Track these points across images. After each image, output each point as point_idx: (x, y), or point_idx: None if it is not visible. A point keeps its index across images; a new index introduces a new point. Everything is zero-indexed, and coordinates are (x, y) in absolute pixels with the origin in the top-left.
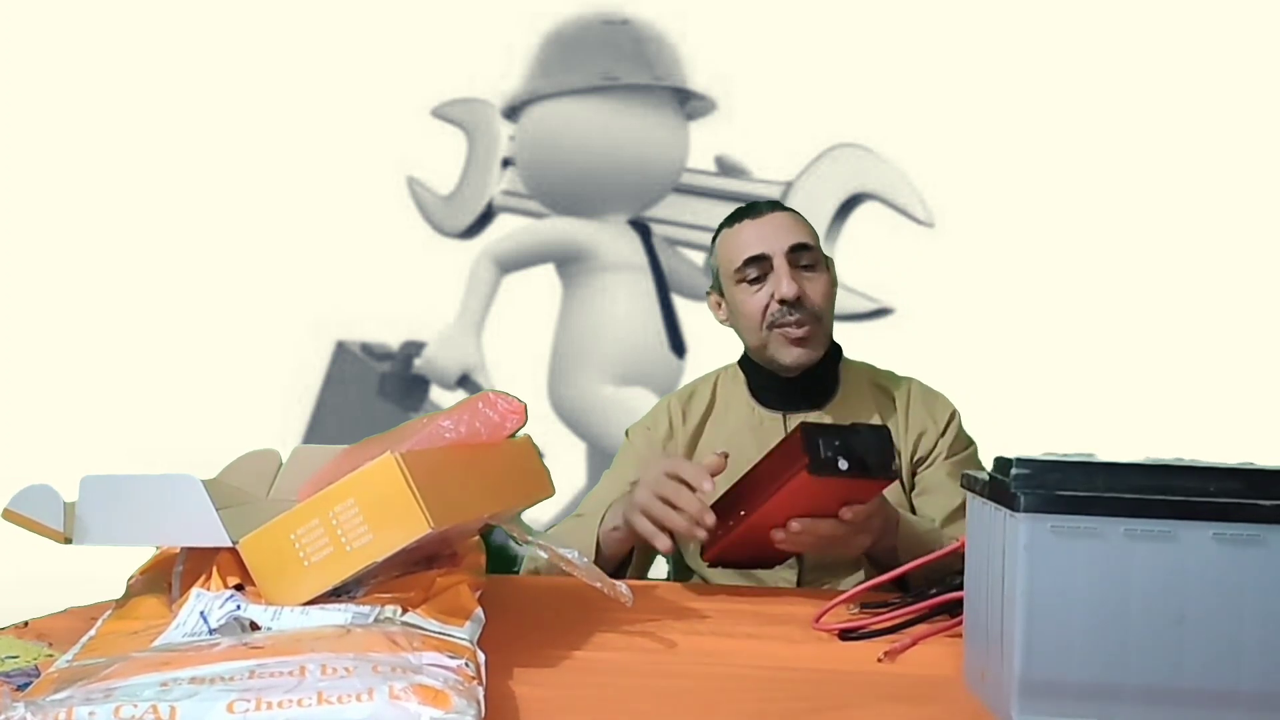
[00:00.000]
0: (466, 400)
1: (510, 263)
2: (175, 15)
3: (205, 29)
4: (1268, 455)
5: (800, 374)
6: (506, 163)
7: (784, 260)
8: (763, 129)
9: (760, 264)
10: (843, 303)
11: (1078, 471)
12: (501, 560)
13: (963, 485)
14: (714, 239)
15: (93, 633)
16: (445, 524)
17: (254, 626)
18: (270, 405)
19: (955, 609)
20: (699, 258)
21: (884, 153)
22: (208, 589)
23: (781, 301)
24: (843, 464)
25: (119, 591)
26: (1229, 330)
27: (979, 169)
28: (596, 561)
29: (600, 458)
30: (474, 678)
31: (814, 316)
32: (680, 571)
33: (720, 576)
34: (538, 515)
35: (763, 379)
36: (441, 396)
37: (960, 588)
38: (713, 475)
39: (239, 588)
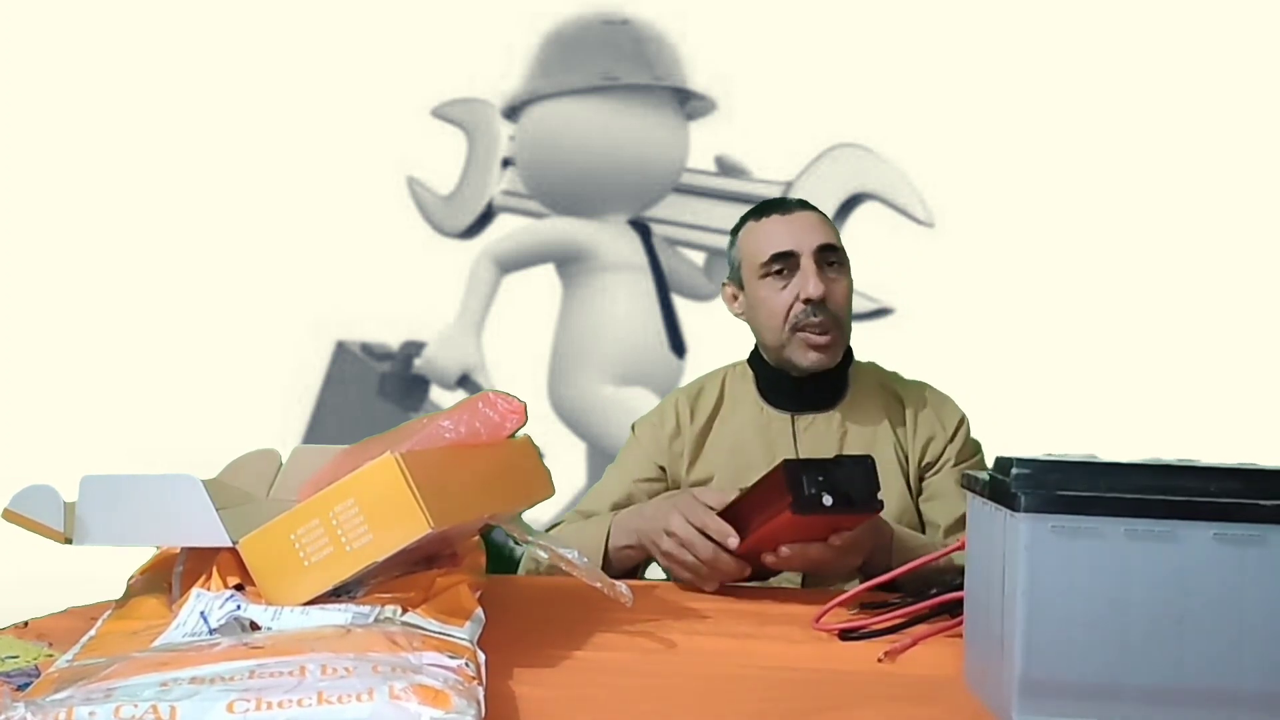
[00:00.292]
0: (466, 400)
1: (510, 263)
2: (175, 15)
3: (205, 29)
4: (1268, 455)
5: (810, 375)
6: (506, 163)
7: (812, 259)
8: (763, 129)
9: (787, 260)
10: None
11: (1078, 471)
12: (501, 560)
13: (963, 485)
14: (736, 230)
15: (93, 633)
16: (445, 524)
17: (254, 626)
18: (270, 405)
19: (955, 609)
20: (699, 258)
21: (884, 153)
22: (208, 589)
23: (806, 301)
24: (826, 500)
25: (119, 591)
26: (1229, 330)
27: (979, 169)
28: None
29: (600, 458)
30: (474, 678)
31: (836, 320)
32: None
33: None
34: (538, 515)
35: (772, 378)
36: (441, 396)
37: (960, 588)
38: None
39: (239, 588)
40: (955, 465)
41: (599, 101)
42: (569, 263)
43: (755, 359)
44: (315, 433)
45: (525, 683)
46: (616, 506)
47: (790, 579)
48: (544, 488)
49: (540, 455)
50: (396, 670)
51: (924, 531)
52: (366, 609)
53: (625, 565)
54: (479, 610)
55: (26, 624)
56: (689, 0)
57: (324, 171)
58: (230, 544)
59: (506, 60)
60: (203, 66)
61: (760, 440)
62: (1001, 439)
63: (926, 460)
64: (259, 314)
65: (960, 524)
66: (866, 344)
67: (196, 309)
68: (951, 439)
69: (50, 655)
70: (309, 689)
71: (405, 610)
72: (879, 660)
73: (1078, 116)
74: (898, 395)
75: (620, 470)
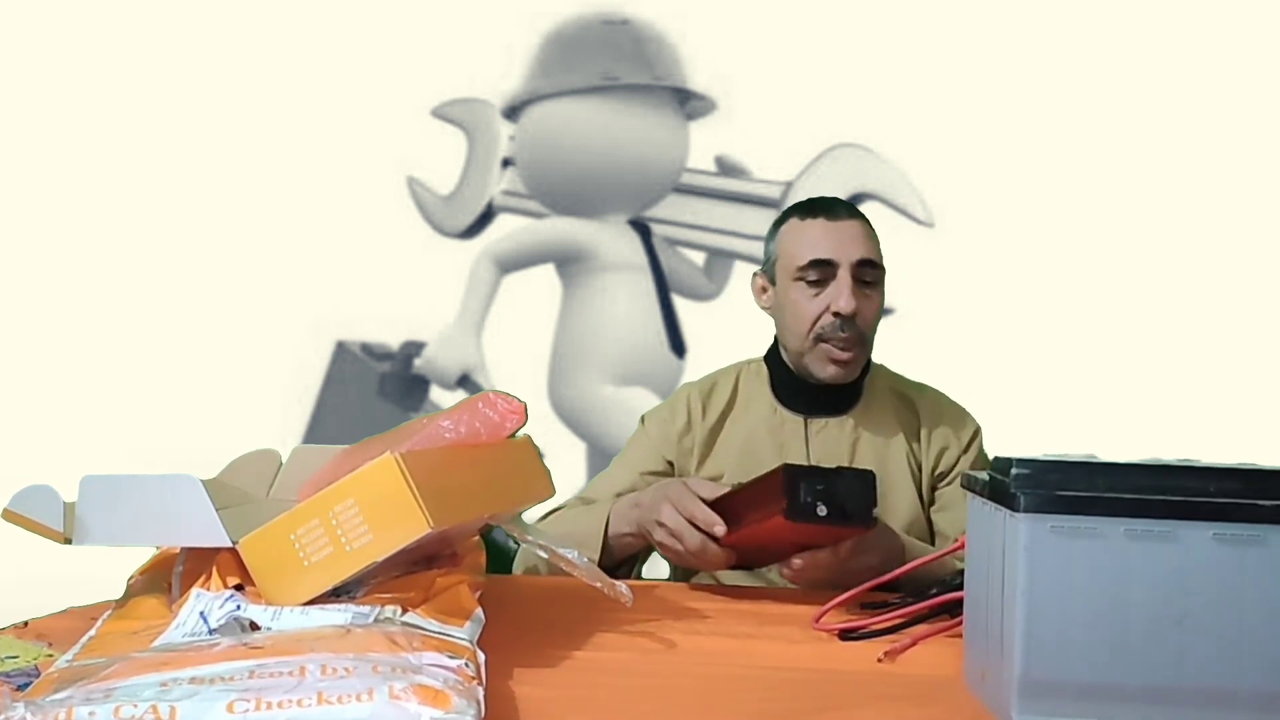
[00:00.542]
0: (466, 400)
1: (510, 263)
2: (175, 15)
3: (205, 29)
4: (1268, 455)
5: None
6: (506, 163)
7: (849, 272)
8: (763, 129)
9: (824, 269)
10: None
11: (1078, 472)
12: (501, 560)
13: (963, 485)
14: (779, 222)
15: (93, 633)
16: (445, 524)
17: (254, 626)
18: (270, 405)
19: (955, 609)
20: (699, 258)
21: (884, 153)
22: (208, 589)
23: (836, 314)
24: (821, 510)
25: (119, 591)
26: (1229, 331)
27: (979, 169)
28: (603, 562)
29: (600, 458)
30: (474, 678)
31: (861, 337)
32: (681, 571)
33: (725, 575)
34: (538, 515)
35: (788, 379)
36: (441, 396)
37: (960, 588)
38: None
39: (239, 588)
40: None
41: (599, 101)
42: (569, 263)
43: (773, 357)
44: (315, 433)
45: (525, 683)
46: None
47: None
48: (544, 488)
49: (540, 455)
50: (396, 670)
51: (933, 542)
52: (366, 609)
53: (626, 553)
54: (479, 610)
55: (26, 624)
56: (689, 0)
57: (324, 171)
58: (230, 544)
59: (506, 60)
60: (203, 67)
61: (772, 441)
62: (1001, 439)
63: (940, 470)
64: (259, 314)
65: None
66: None
67: (197, 309)
68: (965, 450)
69: (50, 655)
70: (309, 689)
71: (405, 610)
72: (879, 660)
73: (1077, 117)
74: (912, 403)
75: (626, 462)
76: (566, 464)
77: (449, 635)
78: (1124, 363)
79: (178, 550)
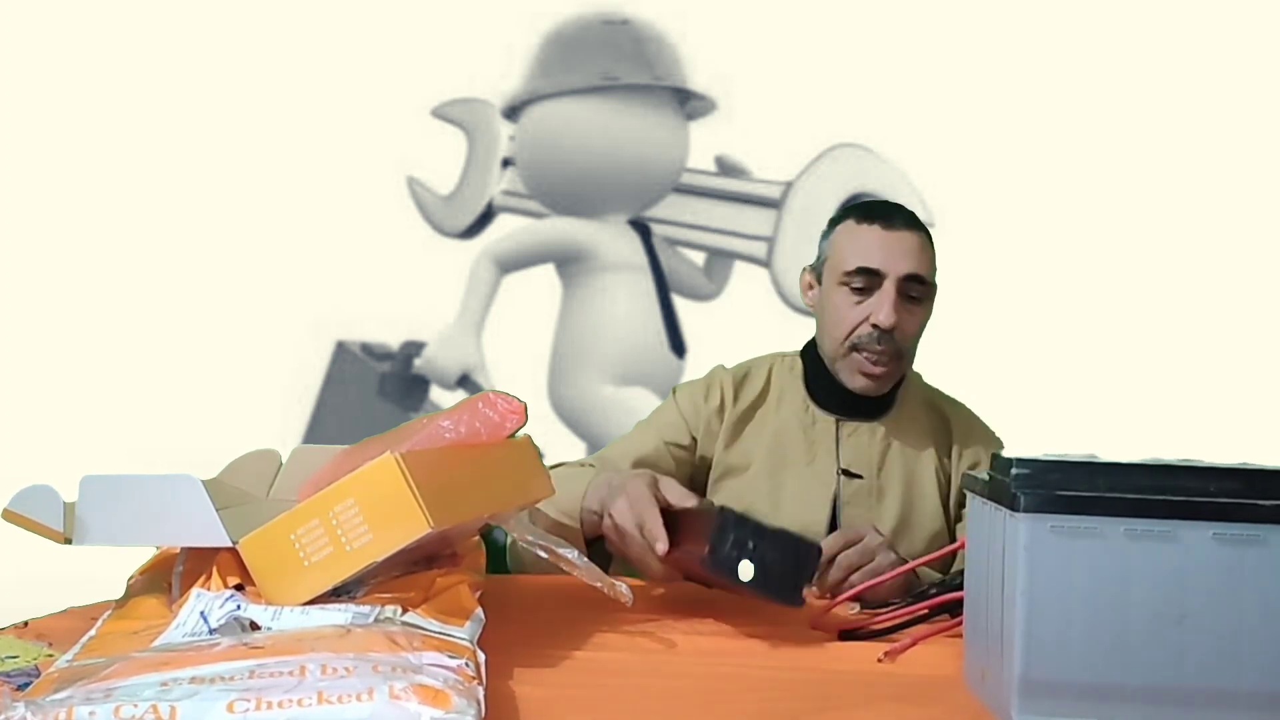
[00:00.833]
0: (466, 400)
1: (510, 263)
2: (175, 15)
3: (205, 29)
4: (1268, 455)
5: None
6: (506, 163)
7: (895, 285)
8: (763, 129)
9: (870, 278)
10: None
11: (1078, 471)
12: (502, 560)
13: (963, 485)
14: (836, 221)
15: (93, 633)
16: (445, 524)
17: (254, 626)
18: (270, 405)
19: (955, 609)
20: (699, 258)
21: (884, 153)
22: (208, 589)
23: (875, 326)
24: (744, 572)
25: (119, 591)
26: (1229, 330)
27: (979, 169)
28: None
29: None
30: (474, 678)
31: (898, 352)
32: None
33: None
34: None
35: (823, 378)
36: (441, 396)
37: (960, 588)
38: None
39: (239, 588)
40: None
41: (599, 101)
42: (569, 263)
43: (810, 354)
44: (315, 433)
45: (525, 683)
46: (638, 462)
47: None
48: (544, 488)
49: (540, 455)
50: (396, 670)
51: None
52: (366, 609)
53: (594, 532)
54: (479, 610)
55: (26, 624)
56: (689, 0)
57: (324, 171)
58: (230, 544)
59: (506, 60)
60: (203, 67)
61: (804, 439)
62: (1002, 438)
63: None
64: (259, 314)
65: None
66: None
67: (197, 309)
68: None
69: (50, 655)
70: (309, 689)
71: (405, 610)
72: (879, 660)
73: (1077, 117)
74: (945, 417)
75: (651, 429)
76: None
77: (449, 635)
78: (1124, 362)
79: (178, 550)
